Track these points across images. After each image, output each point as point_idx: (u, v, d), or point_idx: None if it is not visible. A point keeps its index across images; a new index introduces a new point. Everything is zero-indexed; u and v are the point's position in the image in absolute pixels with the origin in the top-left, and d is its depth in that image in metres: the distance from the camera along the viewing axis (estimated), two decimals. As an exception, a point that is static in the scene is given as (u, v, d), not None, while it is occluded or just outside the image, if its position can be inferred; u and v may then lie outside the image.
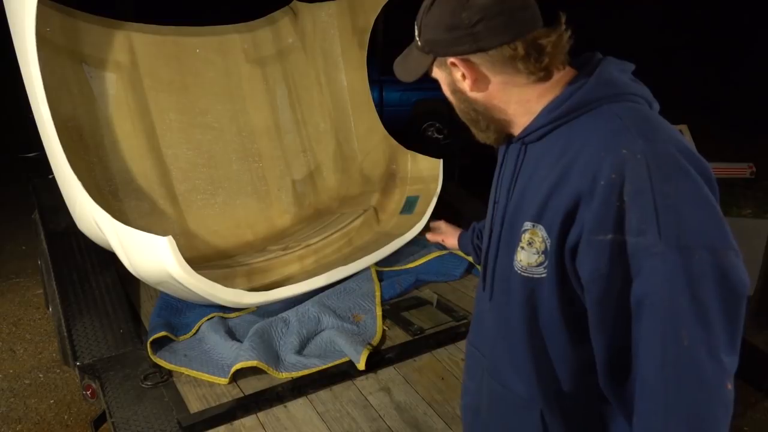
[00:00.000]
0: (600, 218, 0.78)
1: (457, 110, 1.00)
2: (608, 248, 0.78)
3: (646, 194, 0.76)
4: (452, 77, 0.93)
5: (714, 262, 0.74)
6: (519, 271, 0.92)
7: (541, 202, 0.87)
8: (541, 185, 0.87)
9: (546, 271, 0.88)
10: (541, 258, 0.88)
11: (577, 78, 0.89)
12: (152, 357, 2.09)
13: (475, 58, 0.89)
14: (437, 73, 0.97)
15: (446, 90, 0.98)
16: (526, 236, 0.90)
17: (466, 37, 0.86)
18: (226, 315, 2.40)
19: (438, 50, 0.91)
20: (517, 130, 0.95)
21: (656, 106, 0.90)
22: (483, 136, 1.00)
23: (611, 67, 0.89)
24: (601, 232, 0.78)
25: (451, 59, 0.90)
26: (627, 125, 0.81)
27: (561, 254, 0.85)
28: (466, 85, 0.92)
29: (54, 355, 3.39)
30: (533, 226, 0.88)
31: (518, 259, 0.91)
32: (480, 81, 0.91)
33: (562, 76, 0.91)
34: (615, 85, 0.87)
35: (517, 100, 0.91)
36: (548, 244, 0.86)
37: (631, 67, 0.92)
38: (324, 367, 2.06)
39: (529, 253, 0.89)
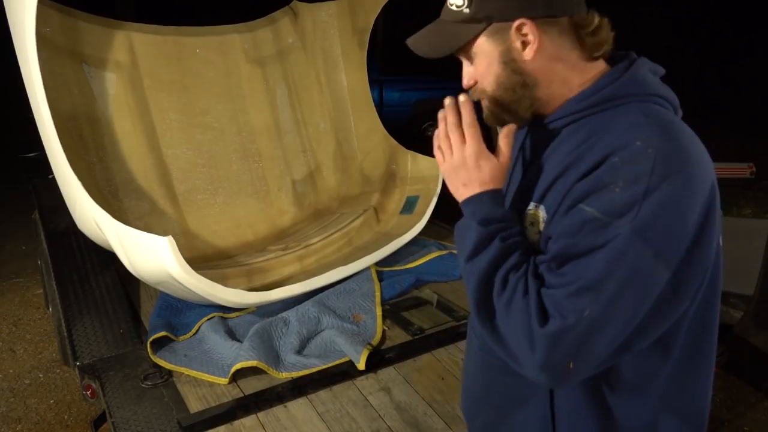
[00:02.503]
0: (589, 191, 0.80)
1: (499, 86, 0.93)
2: (584, 216, 0.80)
3: (641, 185, 0.77)
4: (509, 46, 0.90)
5: (652, 266, 0.78)
6: None
7: (547, 184, 0.89)
8: (553, 169, 0.89)
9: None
10: (537, 238, 0.90)
11: (611, 73, 0.91)
12: (152, 357, 2.09)
13: (543, 24, 0.88)
14: (483, 46, 0.91)
15: (491, 63, 0.92)
16: (528, 217, 0.92)
17: (540, 1, 0.88)
18: (226, 315, 2.40)
19: (503, 14, 0.88)
20: (546, 113, 0.95)
21: (680, 113, 0.92)
22: (510, 119, 0.96)
23: (645, 66, 0.92)
24: (589, 203, 0.80)
25: (520, 22, 0.87)
26: (650, 122, 0.83)
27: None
28: (525, 54, 0.89)
29: (54, 355, 3.39)
30: (536, 207, 0.90)
31: None
32: (540, 50, 0.89)
33: (596, 67, 0.93)
34: (646, 84, 0.89)
35: (561, 80, 0.91)
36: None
37: (662, 71, 0.94)
38: (324, 367, 2.06)
39: (531, 232, 0.91)
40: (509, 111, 0.95)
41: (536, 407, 0.97)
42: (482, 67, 0.93)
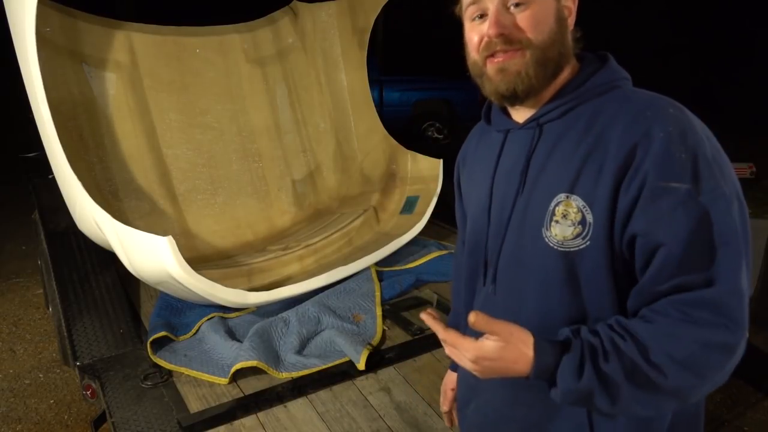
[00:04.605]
0: (667, 167, 0.81)
1: (551, 40, 0.91)
2: (683, 195, 0.81)
3: (704, 147, 0.82)
4: (561, 5, 0.92)
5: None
6: (556, 247, 0.90)
7: (573, 173, 0.88)
8: (570, 158, 0.89)
9: (586, 241, 0.87)
10: (578, 229, 0.88)
11: (589, 64, 0.95)
12: (152, 357, 2.09)
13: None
14: None
15: (549, 15, 0.91)
16: (560, 209, 0.90)
17: None
18: (226, 315, 2.40)
19: None
20: (541, 97, 0.95)
21: None
22: (535, 82, 0.92)
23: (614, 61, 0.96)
24: (673, 179, 0.81)
25: None
26: (659, 96, 0.88)
27: (611, 217, 0.85)
28: (569, 21, 0.94)
29: (54, 355, 3.39)
30: (567, 197, 0.89)
31: (553, 234, 0.91)
32: (572, 25, 0.94)
33: (573, 61, 0.96)
34: (621, 70, 0.94)
35: (567, 64, 0.95)
36: (585, 213, 0.87)
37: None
38: (324, 367, 2.07)
39: (564, 226, 0.89)
40: (544, 72, 0.91)
41: (570, 415, 0.95)
42: (541, 12, 0.90)
